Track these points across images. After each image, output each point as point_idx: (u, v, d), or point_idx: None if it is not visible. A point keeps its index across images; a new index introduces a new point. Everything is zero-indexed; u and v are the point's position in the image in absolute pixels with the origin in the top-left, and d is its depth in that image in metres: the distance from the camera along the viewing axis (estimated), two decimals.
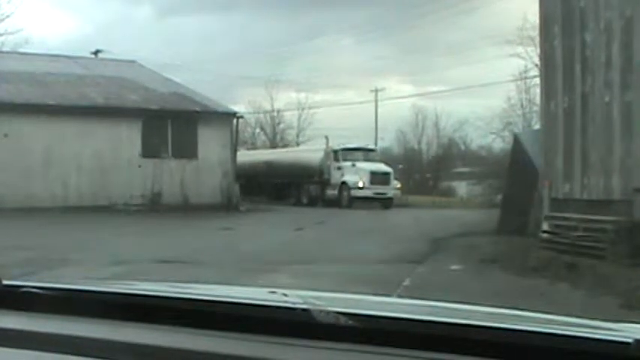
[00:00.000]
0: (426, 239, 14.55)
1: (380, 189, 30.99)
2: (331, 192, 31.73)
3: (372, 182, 30.97)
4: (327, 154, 32.40)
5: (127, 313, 1.36)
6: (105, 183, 24.21)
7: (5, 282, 1.53)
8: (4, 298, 1.47)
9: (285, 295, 1.40)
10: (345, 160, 32.08)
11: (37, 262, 10.05)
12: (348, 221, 21.82)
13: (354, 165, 31.55)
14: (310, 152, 34.47)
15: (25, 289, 1.48)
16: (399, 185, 33.17)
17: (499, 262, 10.69)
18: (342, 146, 33.18)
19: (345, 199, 30.82)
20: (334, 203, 30.48)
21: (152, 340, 1.24)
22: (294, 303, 1.31)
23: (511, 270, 9.97)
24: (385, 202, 31.16)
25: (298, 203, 32.20)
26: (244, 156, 35.63)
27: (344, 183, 31.27)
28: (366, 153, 33.96)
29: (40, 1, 69.90)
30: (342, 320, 1.21)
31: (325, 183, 32.13)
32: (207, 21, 75.43)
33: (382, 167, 32.59)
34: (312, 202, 31.89)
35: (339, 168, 31.77)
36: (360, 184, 30.86)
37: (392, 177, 32.49)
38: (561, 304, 7.51)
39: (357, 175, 31.27)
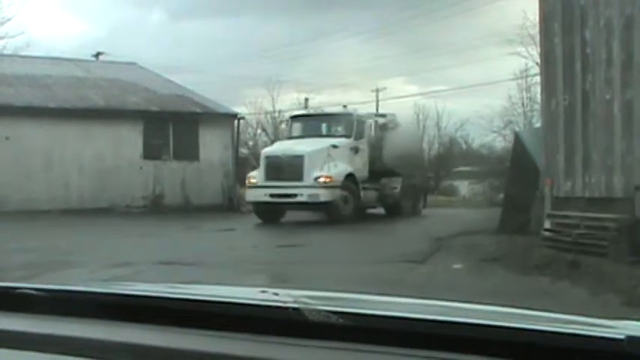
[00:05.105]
0: (428, 238, 14.54)
1: (285, 188, 18.70)
2: None
3: (269, 176, 19.08)
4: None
5: (122, 314, 1.36)
6: (106, 185, 24.24)
7: (2, 284, 1.54)
8: (1, 300, 1.48)
9: (276, 294, 1.40)
10: (293, 137, 21.15)
11: (39, 264, 10.07)
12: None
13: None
14: None
15: (21, 291, 1.49)
16: (327, 177, 18.78)
17: (501, 260, 10.69)
18: (294, 113, 23.36)
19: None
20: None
21: (145, 340, 1.24)
22: (285, 302, 1.31)
23: (513, 268, 9.96)
24: (317, 209, 19.12)
25: None
26: None
27: None
28: (333, 122, 21.35)
29: (49, 5, 69.98)
30: (334, 319, 1.21)
31: None
32: (213, 25, 75.65)
33: (295, 148, 19.45)
34: None
35: None
36: (253, 180, 19.70)
37: (312, 164, 18.88)
38: (563, 302, 7.51)
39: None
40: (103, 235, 16.17)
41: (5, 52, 33.76)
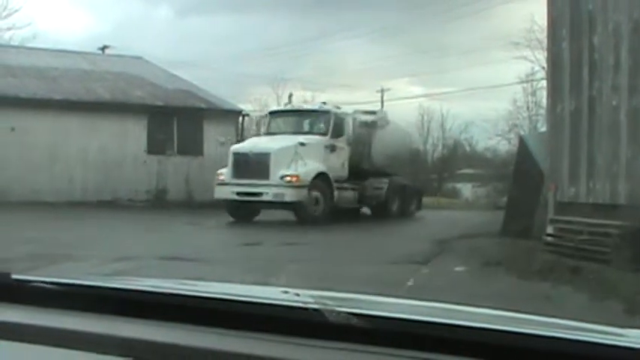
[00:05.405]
0: (430, 240, 14.53)
1: (251, 186, 18.26)
2: None
3: (236, 174, 18.71)
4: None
5: (139, 310, 1.36)
6: (110, 178, 24.27)
7: (15, 276, 1.53)
8: (14, 292, 1.47)
9: (297, 294, 1.39)
10: (270, 133, 20.70)
11: (41, 256, 10.07)
12: None
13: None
14: None
15: (34, 284, 1.49)
16: (293, 176, 18.13)
17: (503, 264, 10.67)
18: (271, 109, 22.77)
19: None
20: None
21: (163, 337, 1.24)
22: (305, 303, 1.31)
23: (515, 273, 9.94)
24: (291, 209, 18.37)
25: None
26: None
27: None
28: (309, 118, 20.66)
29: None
30: (354, 321, 1.21)
31: None
32: (219, 21, 75.87)
33: (262, 145, 19.18)
34: None
35: None
36: (221, 177, 19.27)
37: (279, 162, 18.35)
38: (564, 308, 7.49)
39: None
40: (106, 228, 16.18)
41: (12, 43, 33.83)
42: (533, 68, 38.33)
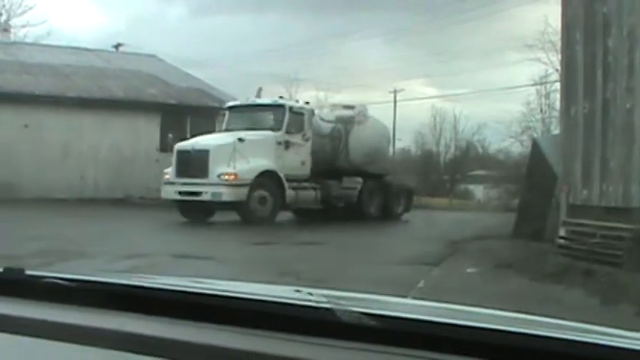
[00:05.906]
0: (443, 241, 14.50)
1: (192, 185, 17.55)
2: None
3: (178, 172, 17.99)
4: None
5: (151, 307, 1.37)
6: (122, 176, 24.35)
7: (28, 272, 1.54)
8: (28, 288, 1.48)
9: (310, 294, 1.40)
10: (228, 129, 19.40)
11: (52, 253, 10.11)
12: None
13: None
14: None
15: (47, 280, 1.49)
16: (232, 175, 17.12)
17: (515, 266, 10.64)
18: (229, 104, 20.92)
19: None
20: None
21: (174, 334, 1.24)
22: (318, 302, 1.31)
23: (526, 275, 9.91)
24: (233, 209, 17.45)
25: None
26: None
27: None
28: (264, 113, 19.43)
29: None
30: (366, 321, 1.22)
31: None
32: (233, 21, 76.01)
33: (202, 142, 18.19)
34: None
35: None
36: (166, 176, 18.52)
37: (219, 159, 17.37)
38: (577, 311, 7.47)
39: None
40: (118, 225, 16.22)
41: (26, 40, 33.98)
42: (546, 70, 38.17)
